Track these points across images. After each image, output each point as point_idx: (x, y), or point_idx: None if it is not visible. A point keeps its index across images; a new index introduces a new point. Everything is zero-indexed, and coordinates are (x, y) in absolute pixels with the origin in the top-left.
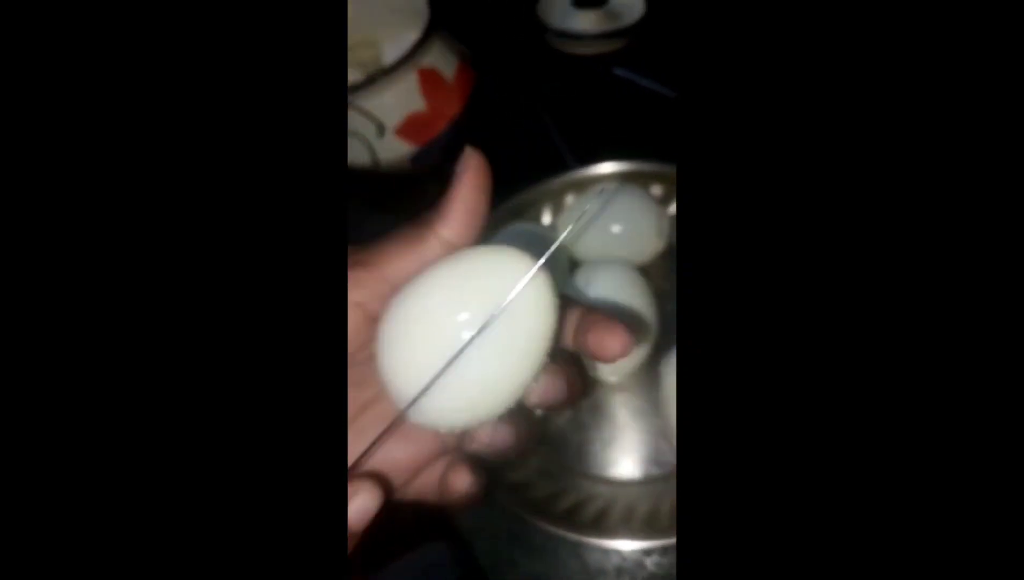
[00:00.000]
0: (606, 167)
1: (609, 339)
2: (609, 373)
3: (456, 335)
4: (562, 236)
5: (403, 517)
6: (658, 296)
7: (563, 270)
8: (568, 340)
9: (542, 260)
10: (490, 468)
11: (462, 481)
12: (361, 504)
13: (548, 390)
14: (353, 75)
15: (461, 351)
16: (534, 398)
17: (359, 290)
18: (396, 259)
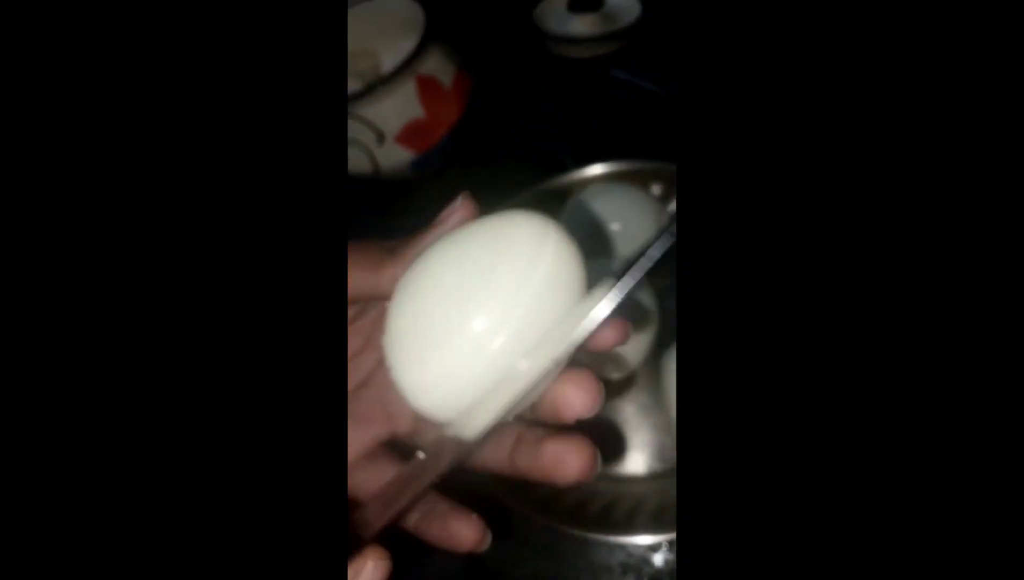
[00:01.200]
0: (605, 167)
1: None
2: (612, 370)
3: (475, 322)
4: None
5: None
6: (658, 293)
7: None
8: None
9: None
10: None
11: (468, 530)
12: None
13: (581, 395)
14: (352, 84)
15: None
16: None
17: None
18: (352, 276)
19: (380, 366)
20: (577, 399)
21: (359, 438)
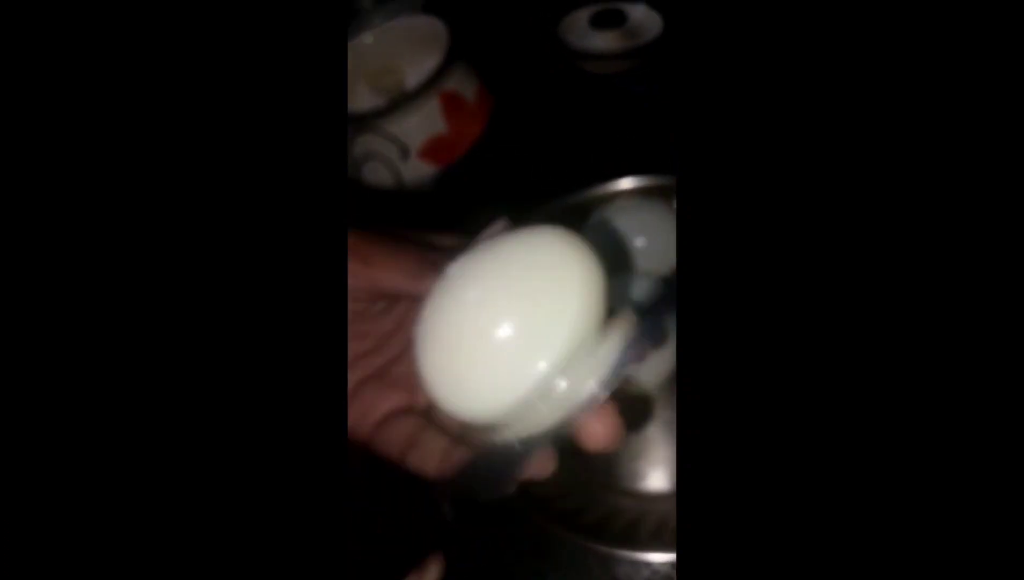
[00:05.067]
0: (628, 182)
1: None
2: (639, 383)
3: (503, 332)
4: None
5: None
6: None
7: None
8: None
9: None
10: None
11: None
12: None
13: (603, 429)
14: (377, 100)
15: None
16: (590, 442)
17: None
18: (395, 277)
19: (409, 348)
20: (599, 432)
21: (390, 399)
